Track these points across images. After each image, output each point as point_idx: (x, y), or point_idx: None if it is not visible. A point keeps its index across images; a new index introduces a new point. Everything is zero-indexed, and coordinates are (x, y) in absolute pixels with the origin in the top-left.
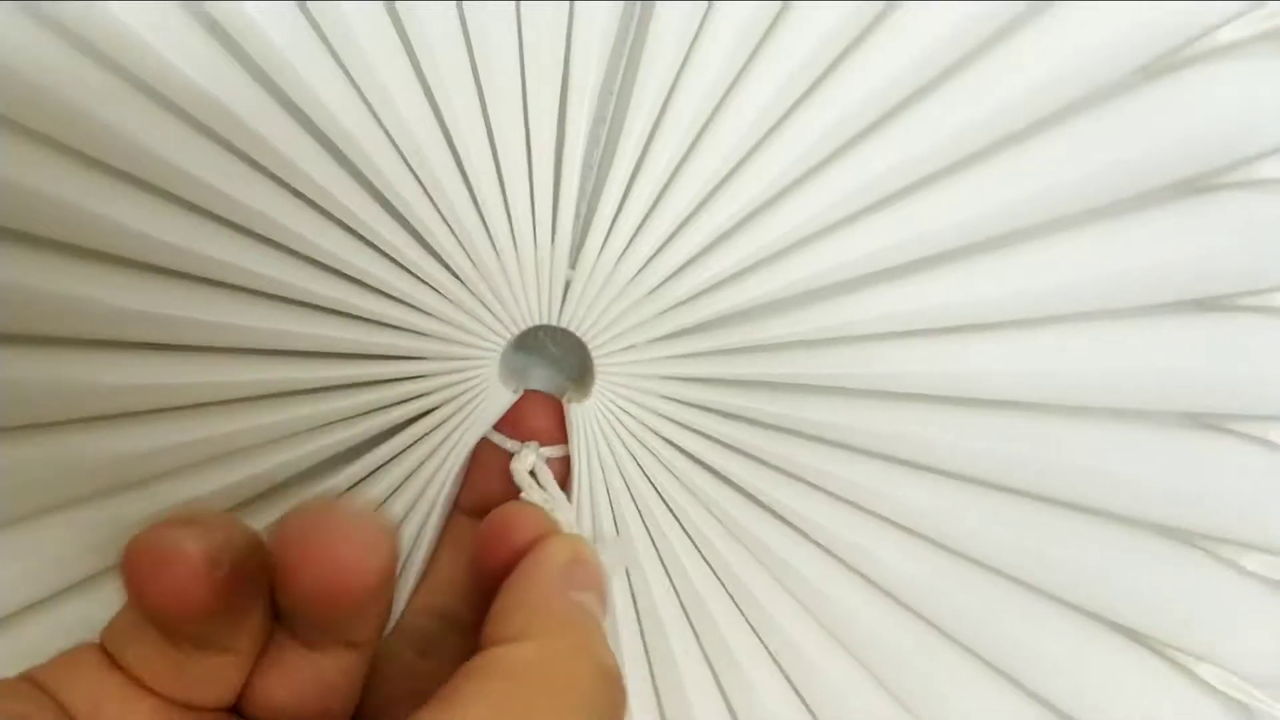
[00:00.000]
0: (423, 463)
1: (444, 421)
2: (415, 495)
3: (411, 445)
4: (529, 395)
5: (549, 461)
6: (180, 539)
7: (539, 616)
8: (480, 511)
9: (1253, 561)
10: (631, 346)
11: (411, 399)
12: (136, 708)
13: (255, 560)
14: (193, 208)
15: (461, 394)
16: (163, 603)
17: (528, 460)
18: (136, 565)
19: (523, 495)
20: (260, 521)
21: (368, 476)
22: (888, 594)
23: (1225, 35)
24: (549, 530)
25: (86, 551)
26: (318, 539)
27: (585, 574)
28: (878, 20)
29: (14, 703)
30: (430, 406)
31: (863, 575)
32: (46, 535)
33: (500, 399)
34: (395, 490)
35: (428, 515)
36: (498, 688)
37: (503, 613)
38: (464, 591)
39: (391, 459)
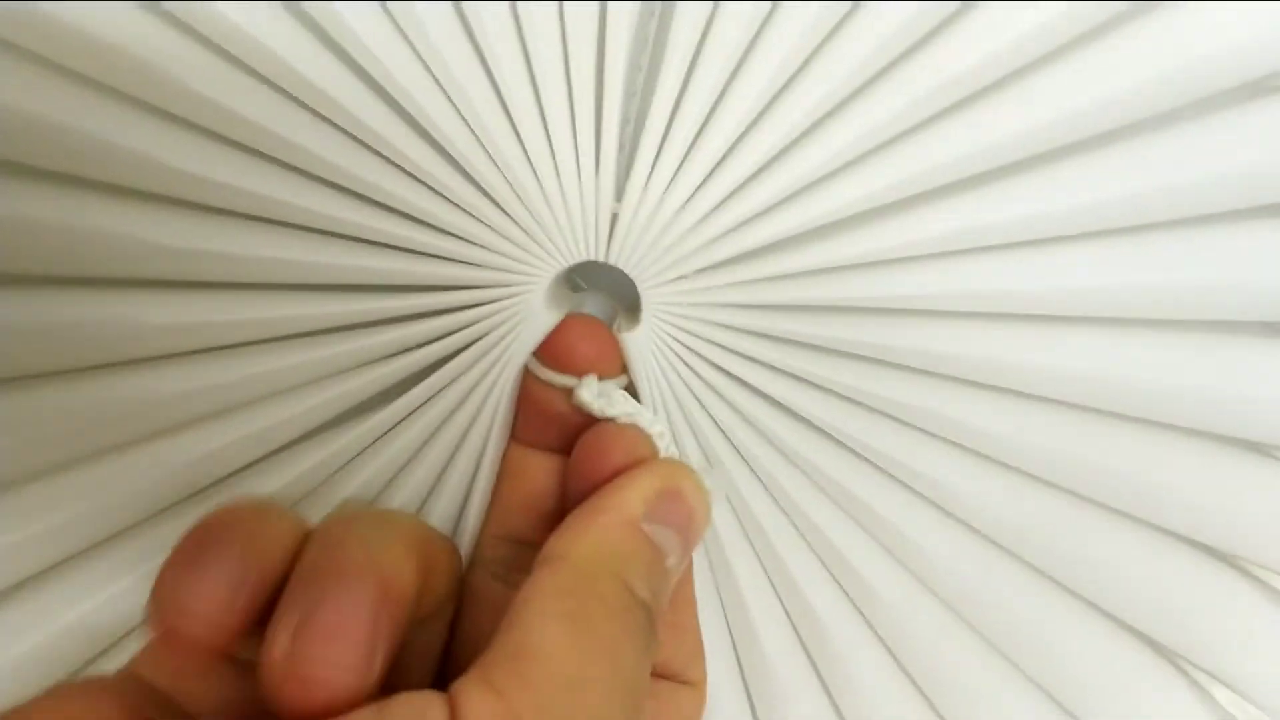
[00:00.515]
0: (472, 389)
1: (490, 350)
2: (467, 423)
3: (459, 377)
4: (573, 323)
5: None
6: (191, 592)
7: (586, 541)
8: (538, 444)
9: None
10: (681, 277)
11: (457, 331)
12: None
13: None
14: (241, 146)
15: (507, 320)
16: (187, 658)
17: (592, 388)
18: (158, 621)
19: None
20: (303, 462)
21: (415, 410)
22: (957, 518)
23: None
24: (646, 456)
25: (127, 500)
26: None
27: (670, 508)
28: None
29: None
30: (477, 336)
31: (925, 498)
32: (83, 483)
33: (546, 322)
34: (445, 420)
35: (484, 444)
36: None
37: (560, 530)
38: (538, 516)
39: (440, 390)
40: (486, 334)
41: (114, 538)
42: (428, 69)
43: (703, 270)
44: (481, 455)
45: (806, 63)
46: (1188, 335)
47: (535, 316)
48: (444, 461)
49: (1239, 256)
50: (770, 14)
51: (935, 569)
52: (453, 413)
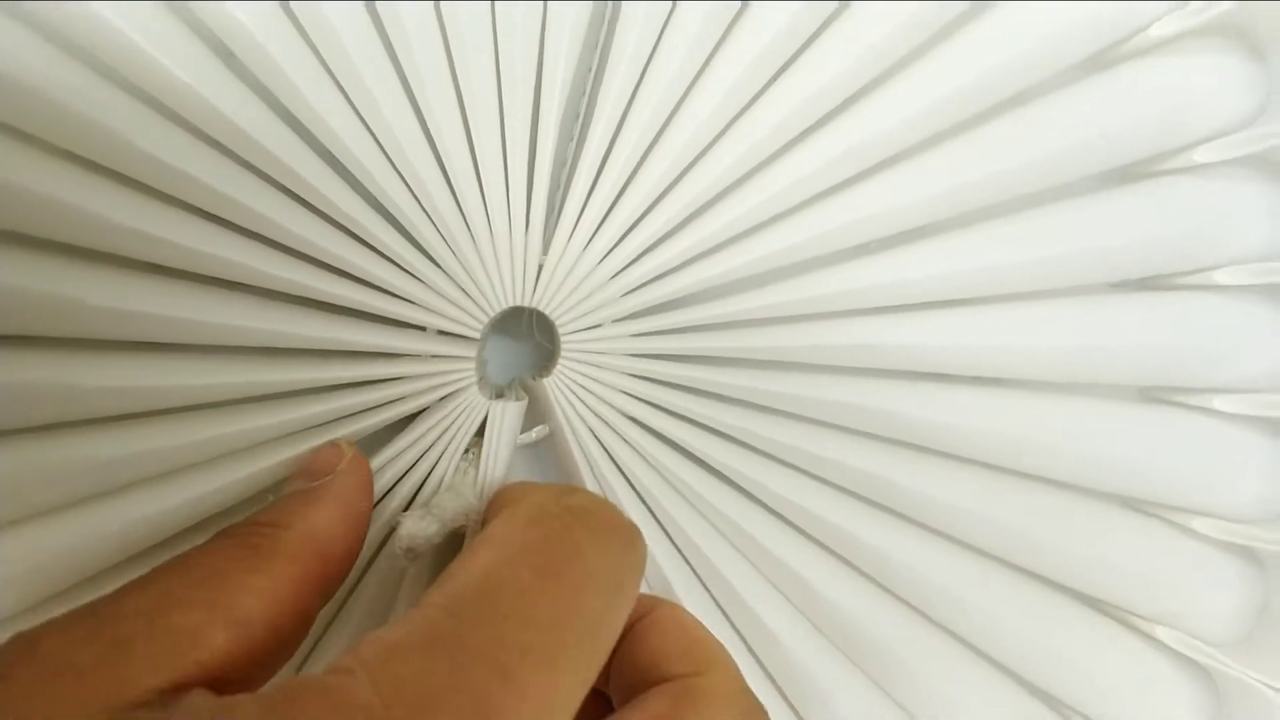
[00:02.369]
0: (424, 451)
1: (437, 409)
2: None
3: (412, 444)
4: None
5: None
6: None
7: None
8: None
9: (1202, 525)
10: (597, 325)
11: (395, 402)
12: None
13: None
14: (167, 199)
15: (451, 381)
16: None
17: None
18: None
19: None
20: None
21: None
22: (854, 568)
23: (1157, 31)
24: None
25: (61, 562)
26: None
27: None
28: (830, 19)
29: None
30: (417, 396)
31: (826, 548)
32: (19, 546)
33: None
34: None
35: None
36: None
37: None
38: None
39: (392, 459)
40: (428, 393)
41: (46, 602)
42: (379, 144)
43: (619, 319)
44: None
45: (719, 134)
46: (1068, 397)
47: (469, 388)
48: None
49: (1114, 320)
50: (679, 106)
51: (823, 608)
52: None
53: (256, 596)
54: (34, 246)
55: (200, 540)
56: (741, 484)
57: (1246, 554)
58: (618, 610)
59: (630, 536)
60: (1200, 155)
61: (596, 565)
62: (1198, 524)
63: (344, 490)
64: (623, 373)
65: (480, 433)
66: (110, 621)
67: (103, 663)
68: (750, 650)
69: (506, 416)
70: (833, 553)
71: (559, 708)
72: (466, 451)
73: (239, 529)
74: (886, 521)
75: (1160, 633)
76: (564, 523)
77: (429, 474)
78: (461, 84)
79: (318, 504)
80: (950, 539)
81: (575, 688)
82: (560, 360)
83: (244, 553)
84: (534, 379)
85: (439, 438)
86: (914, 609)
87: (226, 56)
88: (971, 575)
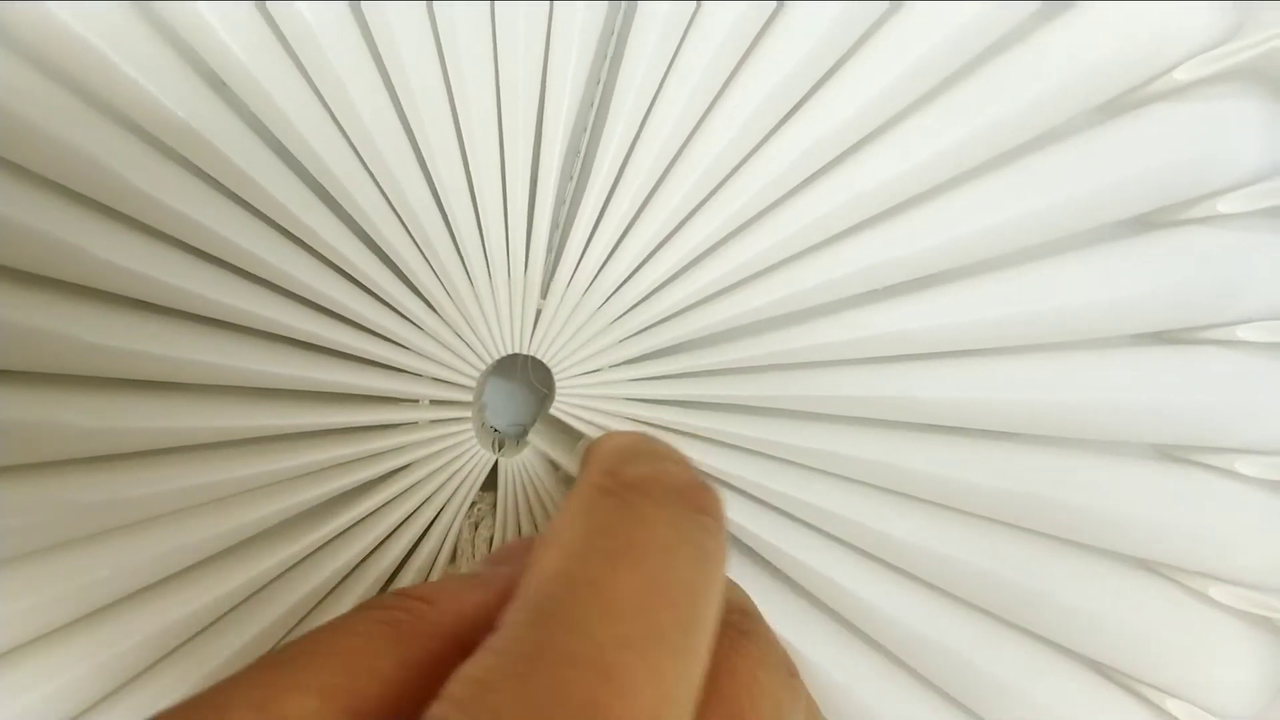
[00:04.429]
0: (428, 497)
1: (439, 458)
2: (424, 526)
3: (398, 497)
4: None
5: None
6: None
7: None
8: None
9: (1220, 592)
10: (595, 371)
11: (395, 451)
12: None
13: None
14: (164, 237)
15: (450, 430)
16: None
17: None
18: None
19: None
20: (246, 571)
21: (354, 526)
22: (855, 628)
23: (1181, 75)
24: None
25: (51, 603)
26: None
27: None
28: (840, 63)
29: None
30: (411, 460)
31: (830, 609)
32: (11, 585)
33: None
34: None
35: (441, 543)
36: None
37: None
38: None
39: (382, 506)
40: (426, 445)
41: (30, 644)
42: (375, 180)
43: (617, 365)
44: (438, 552)
45: (722, 181)
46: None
47: (469, 442)
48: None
49: (1131, 375)
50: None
51: (838, 674)
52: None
53: (383, 684)
54: (23, 282)
55: (193, 582)
56: (741, 537)
57: (1266, 624)
58: (709, 575)
59: (699, 498)
60: (1224, 205)
61: (669, 536)
62: (1215, 591)
63: (514, 581)
64: (621, 417)
65: (486, 485)
66: (214, 713)
67: None
68: None
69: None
70: (833, 613)
71: (673, 692)
72: (473, 505)
73: (386, 600)
74: (886, 577)
75: (1171, 705)
76: (623, 500)
77: (431, 522)
78: (461, 120)
79: (477, 588)
80: (953, 597)
81: (687, 667)
82: (555, 406)
83: (381, 629)
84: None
85: (440, 486)
86: (918, 675)
87: (218, 87)
88: (973, 638)
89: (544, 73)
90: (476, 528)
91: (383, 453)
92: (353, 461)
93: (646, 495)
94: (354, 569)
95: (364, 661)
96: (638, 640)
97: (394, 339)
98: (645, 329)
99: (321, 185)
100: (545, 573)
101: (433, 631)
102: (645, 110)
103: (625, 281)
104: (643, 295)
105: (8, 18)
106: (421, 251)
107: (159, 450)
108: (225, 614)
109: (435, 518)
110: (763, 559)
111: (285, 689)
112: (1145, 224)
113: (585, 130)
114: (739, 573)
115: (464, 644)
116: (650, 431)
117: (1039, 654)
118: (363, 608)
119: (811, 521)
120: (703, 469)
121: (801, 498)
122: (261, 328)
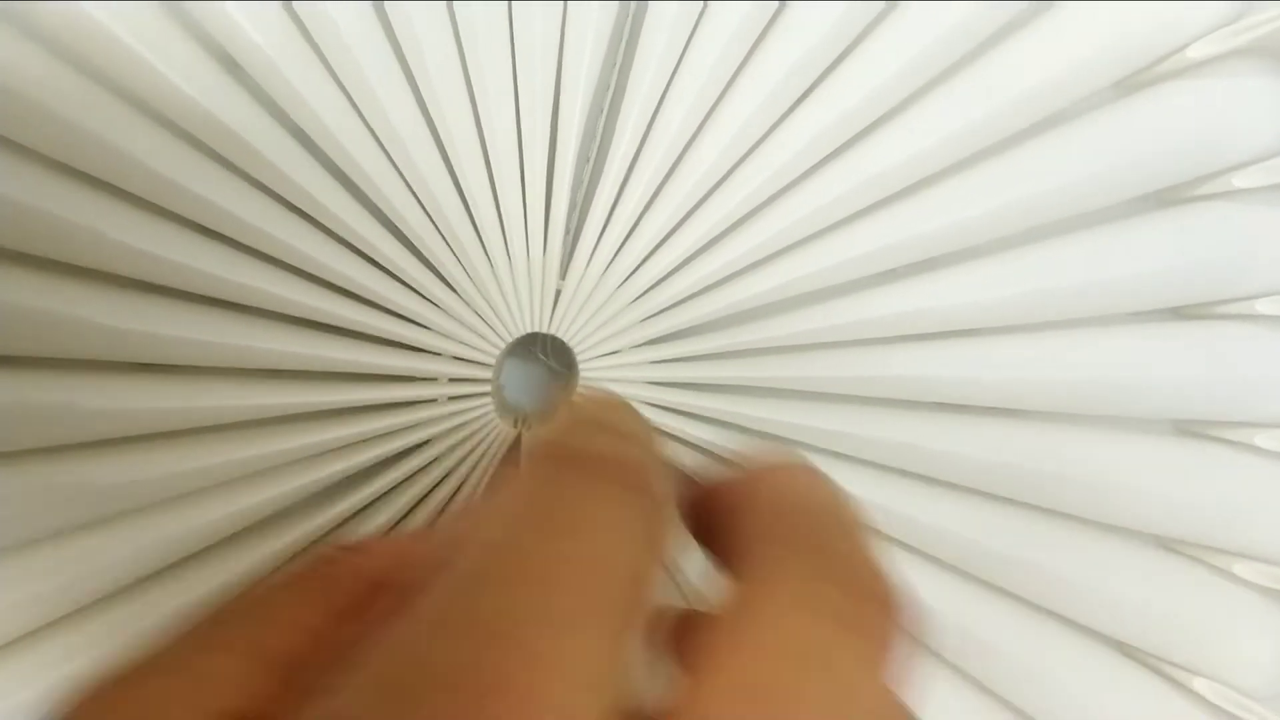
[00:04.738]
0: (447, 474)
1: (455, 434)
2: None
3: (416, 474)
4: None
5: None
6: None
7: None
8: None
9: (1244, 569)
10: (615, 351)
11: (412, 428)
12: None
13: None
14: (183, 221)
15: (469, 400)
16: None
17: None
18: None
19: None
20: (265, 548)
21: (369, 506)
22: None
23: (1196, 51)
24: None
25: (62, 589)
26: None
27: None
28: (856, 42)
29: None
30: (429, 436)
31: None
32: (19, 571)
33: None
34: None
35: None
36: None
37: None
38: None
39: (396, 485)
40: (445, 420)
41: (43, 629)
42: (392, 162)
43: (637, 346)
44: None
45: (740, 159)
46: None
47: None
48: None
49: (1149, 351)
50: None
51: None
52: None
53: (307, 635)
54: (36, 265)
55: (202, 565)
56: None
57: None
58: (644, 558)
59: (639, 479)
60: (1239, 180)
61: (611, 515)
62: (1239, 568)
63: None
64: (640, 401)
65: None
66: (139, 677)
67: None
68: None
69: None
70: None
71: (591, 674)
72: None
73: (322, 551)
74: (904, 559)
75: (1197, 684)
76: (563, 473)
77: (452, 497)
78: (479, 103)
79: (420, 540)
80: (973, 578)
81: (608, 648)
82: (576, 386)
83: (310, 583)
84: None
85: (461, 461)
86: (936, 656)
87: (234, 69)
88: (993, 619)
89: (559, 62)
90: None
91: (402, 429)
92: (372, 438)
93: (596, 471)
94: None
95: (290, 615)
96: (560, 616)
97: (414, 318)
98: (664, 310)
99: (343, 171)
100: (481, 537)
101: (359, 580)
102: (659, 97)
103: (643, 262)
104: (660, 276)
105: (34, 9)
106: (440, 232)
107: (172, 432)
108: None
109: (454, 494)
110: None
111: (210, 649)
112: (1161, 201)
113: (601, 113)
114: None
115: (393, 592)
116: (667, 416)
117: (1061, 635)
118: (298, 564)
119: None
120: (718, 451)
121: None
122: (282, 309)
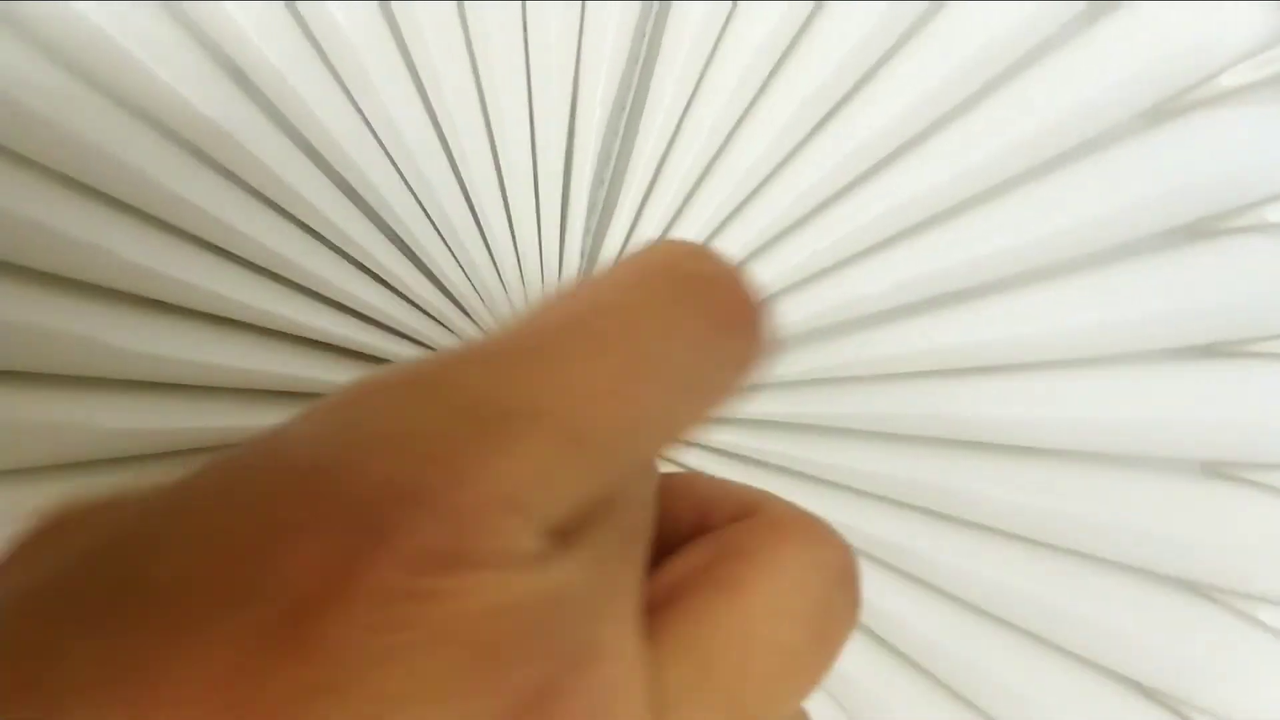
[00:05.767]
0: None
1: None
2: None
3: None
4: None
5: None
6: None
7: None
8: None
9: (1269, 615)
10: None
11: None
12: None
13: None
14: (190, 238)
15: None
16: None
17: None
18: None
19: None
20: None
21: None
22: (895, 650)
23: (1228, 80)
24: None
25: None
26: None
27: None
28: (881, 62)
29: None
30: None
31: (864, 625)
32: None
33: None
34: None
35: None
36: None
37: None
38: None
39: None
40: None
41: None
42: (410, 189)
43: None
44: None
45: (758, 187)
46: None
47: None
48: None
49: (1176, 390)
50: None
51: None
52: None
53: None
54: (42, 283)
55: None
56: None
57: None
58: (687, 407)
59: (739, 321)
60: (1273, 214)
61: (677, 353)
62: (1264, 614)
63: None
64: None
65: None
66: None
67: None
68: None
69: None
70: (866, 629)
71: (547, 479)
72: None
73: None
74: (922, 595)
75: None
76: (662, 292)
77: None
78: (494, 124)
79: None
80: (993, 618)
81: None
82: None
83: None
84: None
85: None
86: (960, 697)
87: (241, 80)
88: (1014, 659)
89: (575, 76)
90: None
91: None
92: None
93: (686, 296)
94: None
95: None
96: (556, 419)
97: (426, 342)
98: None
99: (352, 187)
100: (543, 315)
101: None
102: (675, 128)
103: None
104: None
105: (36, 16)
106: (455, 255)
107: (180, 450)
108: None
109: None
110: None
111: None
112: (1192, 233)
113: (616, 135)
114: None
115: None
116: (686, 448)
117: (1082, 675)
118: None
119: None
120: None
121: (839, 519)
122: (289, 330)
